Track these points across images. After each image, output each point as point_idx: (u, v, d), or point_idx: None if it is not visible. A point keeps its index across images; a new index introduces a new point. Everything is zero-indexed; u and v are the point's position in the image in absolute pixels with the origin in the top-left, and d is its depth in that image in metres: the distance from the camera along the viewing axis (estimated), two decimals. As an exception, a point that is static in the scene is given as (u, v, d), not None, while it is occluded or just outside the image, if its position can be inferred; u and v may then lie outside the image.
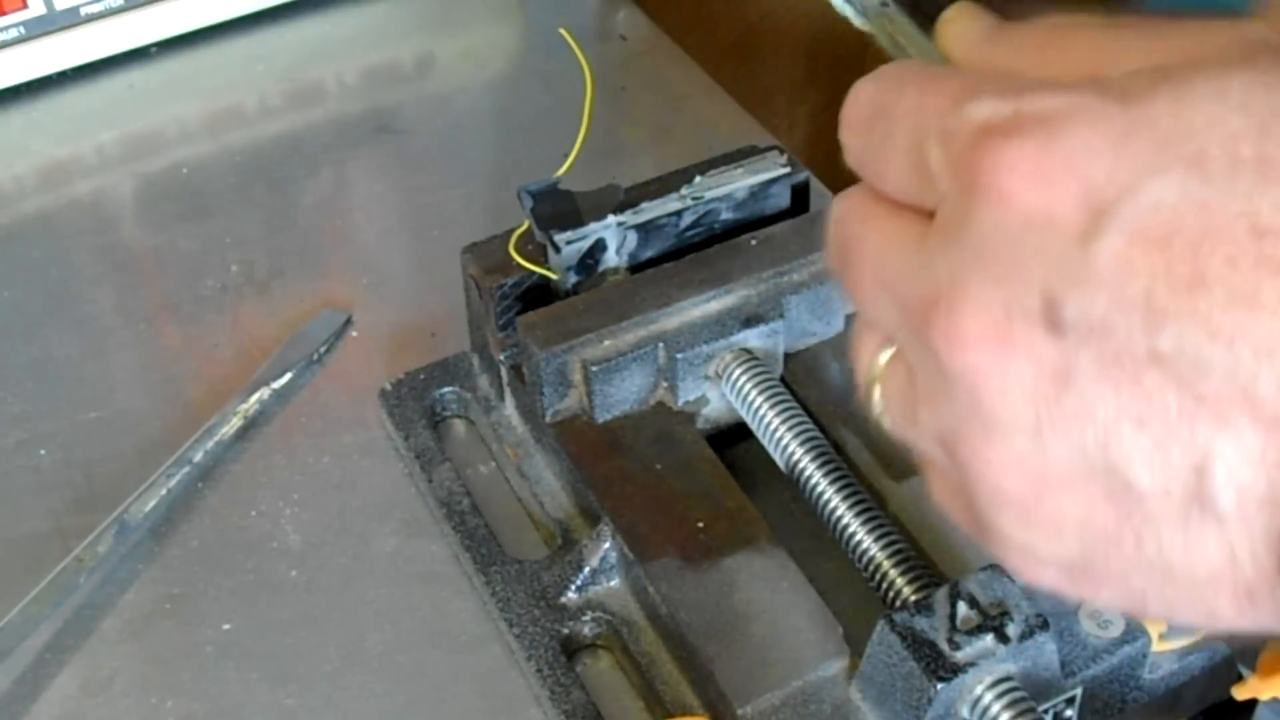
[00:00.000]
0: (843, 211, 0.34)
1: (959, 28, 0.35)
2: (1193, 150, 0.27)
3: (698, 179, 0.55)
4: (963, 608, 0.42)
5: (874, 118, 0.33)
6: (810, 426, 0.49)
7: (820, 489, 0.47)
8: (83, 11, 0.73)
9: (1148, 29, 0.32)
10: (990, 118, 0.29)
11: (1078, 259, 0.28)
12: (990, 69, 0.34)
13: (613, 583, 0.50)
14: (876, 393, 0.34)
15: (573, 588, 0.50)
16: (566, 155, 0.63)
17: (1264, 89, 0.27)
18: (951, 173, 0.30)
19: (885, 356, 0.34)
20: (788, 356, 0.53)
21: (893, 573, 0.45)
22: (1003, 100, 0.30)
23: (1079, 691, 0.44)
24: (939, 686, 0.41)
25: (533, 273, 0.53)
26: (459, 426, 0.57)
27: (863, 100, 0.33)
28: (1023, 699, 0.41)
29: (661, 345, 0.51)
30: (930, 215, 0.31)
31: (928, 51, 0.36)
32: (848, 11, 0.39)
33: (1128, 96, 0.28)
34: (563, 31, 0.62)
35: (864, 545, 0.46)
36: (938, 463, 0.33)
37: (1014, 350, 0.29)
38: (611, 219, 0.53)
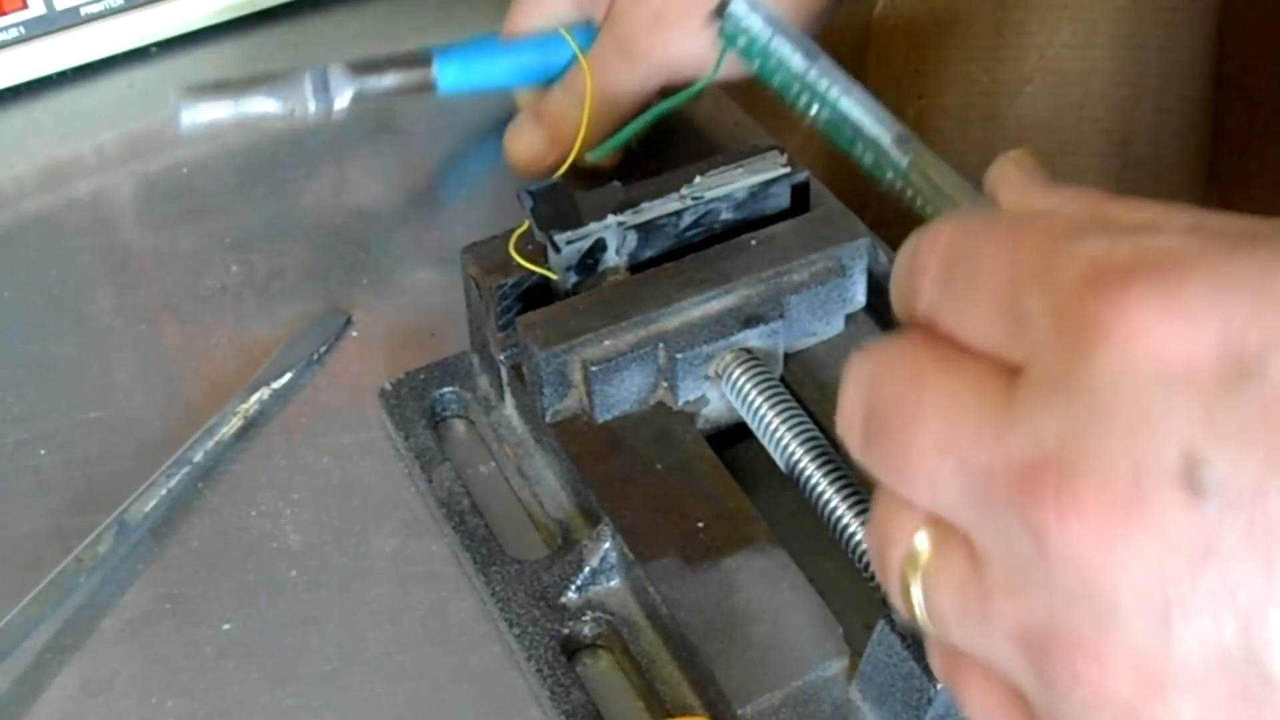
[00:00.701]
0: (881, 369, 0.30)
1: (1017, 172, 0.32)
2: None
3: (698, 179, 0.55)
4: (963, 608, 0.42)
5: (955, 261, 0.29)
6: (810, 426, 0.49)
7: (820, 489, 0.47)
8: (83, 11, 0.73)
9: (1199, 213, 0.28)
10: (1105, 255, 0.26)
11: (1224, 409, 0.24)
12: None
13: (613, 583, 0.50)
14: (916, 588, 0.29)
15: (573, 588, 0.50)
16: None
17: None
18: (1058, 316, 0.26)
19: (923, 541, 0.29)
20: (788, 356, 0.53)
21: (893, 573, 0.45)
22: (1118, 237, 0.26)
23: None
24: (939, 686, 0.41)
25: (533, 273, 0.53)
26: (459, 426, 0.57)
27: (941, 242, 0.29)
28: (1023, 699, 0.41)
29: (661, 345, 0.51)
30: (1010, 371, 0.27)
31: (972, 198, 0.34)
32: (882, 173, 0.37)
33: (1256, 235, 0.26)
34: (562, 31, 0.62)
35: (864, 545, 0.46)
36: (1012, 672, 0.27)
37: (1144, 520, 0.25)
38: (611, 219, 0.53)
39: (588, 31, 0.64)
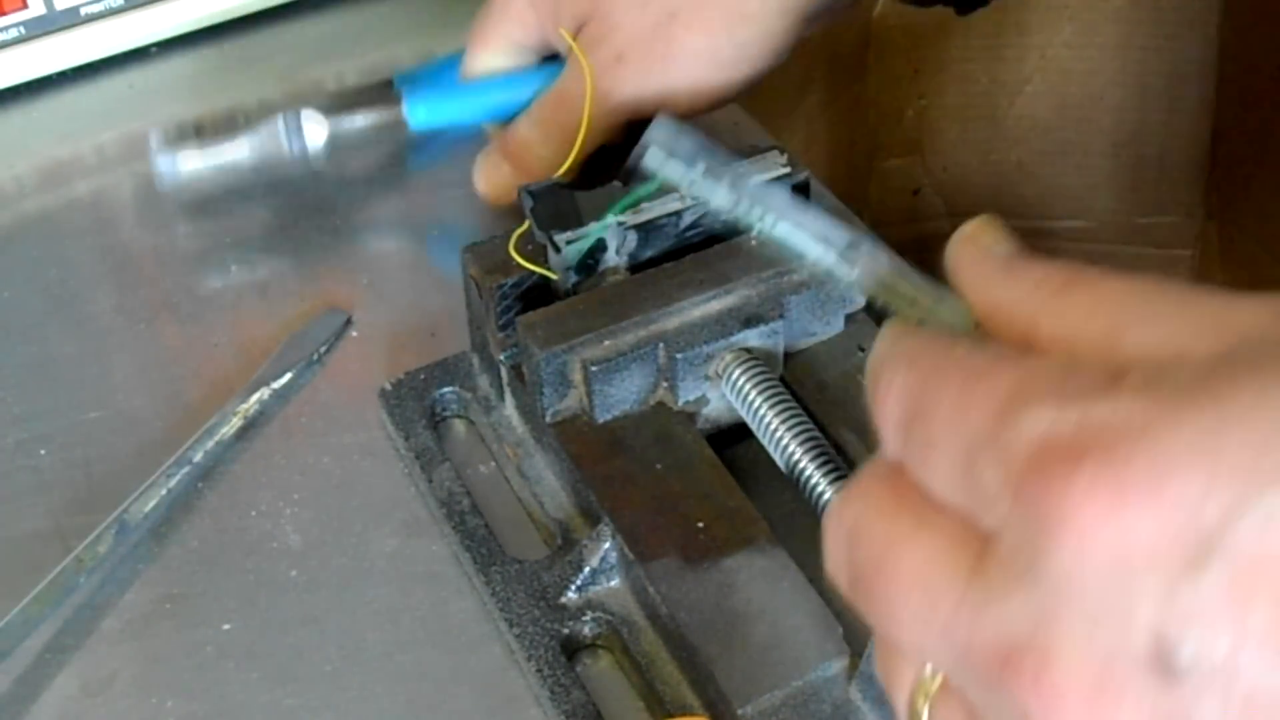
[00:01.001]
0: (857, 524, 0.30)
1: (975, 254, 0.32)
2: None
3: (698, 179, 0.55)
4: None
5: (911, 420, 0.29)
6: (810, 426, 0.49)
7: (820, 489, 0.47)
8: (83, 11, 0.73)
9: (1173, 294, 0.28)
10: (1050, 433, 0.26)
11: (1188, 592, 0.24)
12: (1005, 311, 0.30)
13: (613, 583, 0.50)
14: (924, 713, 0.30)
15: (573, 588, 0.50)
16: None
17: None
18: (1013, 498, 0.26)
19: (931, 678, 0.29)
20: (788, 356, 0.53)
21: (893, 573, 0.45)
22: (1061, 408, 0.26)
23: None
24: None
25: (533, 273, 0.53)
26: (459, 426, 0.57)
27: (895, 394, 0.29)
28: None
29: (661, 345, 0.51)
30: (980, 537, 0.27)
31: (931, 293, 0.33)
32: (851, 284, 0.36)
33: (1204, 396, 0.25)
34: (563, 31, 0.62)
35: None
36: None
37: (1122, 704, 0.25)
38: (611, 219, 0.53)
39: (553, 70, 0.63)
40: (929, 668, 0.29)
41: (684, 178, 0.35)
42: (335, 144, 0.66)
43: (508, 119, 0.64)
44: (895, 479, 0.30)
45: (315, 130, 0.65)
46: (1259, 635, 0.24)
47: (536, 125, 0.62)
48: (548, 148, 0.61)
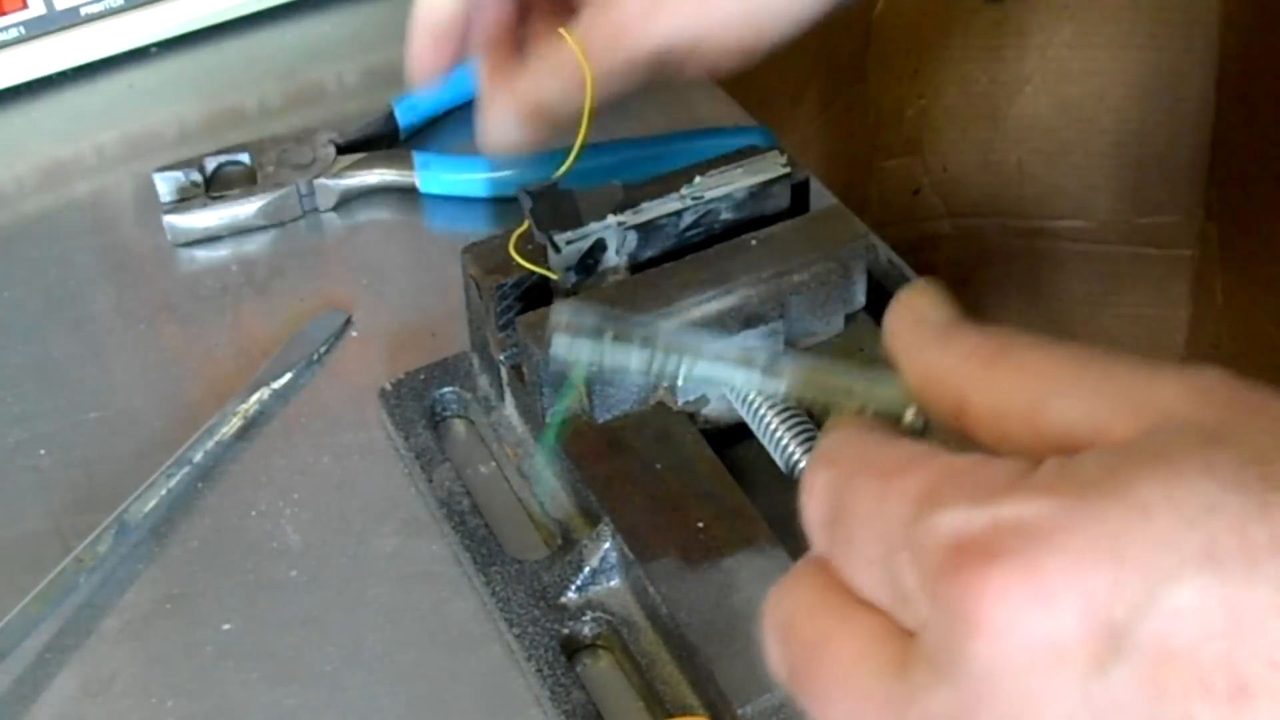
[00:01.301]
0: (789, 619, 0.31)
1: (911, 322, 0.32)
2: (1200, 542, 0.24)
3: (697, 179, 0.55)
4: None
5: (833, 520, 0.30)
6: (810, 426, 0.49)
7: (820, 489, 0.47)
8: (83, 11, 0.73)
9: (1097, 366, 0.29)
10: (963, 533, 0.26)
11: (1100, 689, 0.25)
12: (938, 382, 0.31)
13: (613, 583, 0.50)
14: None
15: (573, 588, 0.50)
16: (567, 154, 0.62)
17: (1255, 458, 0.25)
18: (931, 597, 0.27)
19: None
20: (788, 356, 0.53)
21: (893, 573, 0.45)
22: (973, 509, 0.27)
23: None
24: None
25: (533, 273, 0.53)
26: (459, 426, 0.57)
27: (817, 494, 0.31)
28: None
29: (661, 345, 0.51)
30: (904, 634, 0.28)
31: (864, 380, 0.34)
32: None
33: (1112, 490, 0.25)
34: (562, 31, 0.62)
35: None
36: None
37: None
38: (611, 219, 0.53)
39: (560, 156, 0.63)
40: None
41: (594, 351, 0.35)
42: (346, 198, 0.67)
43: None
44: (824, 575, 0.30)
45: (327, 196, 0.67)
46: None
47: (555, 74, 0.57)
48: (566, 99, 0.56)
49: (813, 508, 0.31)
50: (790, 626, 0.30)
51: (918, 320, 0.32)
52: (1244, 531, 0.24)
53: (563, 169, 0.61)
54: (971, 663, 0.26)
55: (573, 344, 0.35)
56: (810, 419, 0.50)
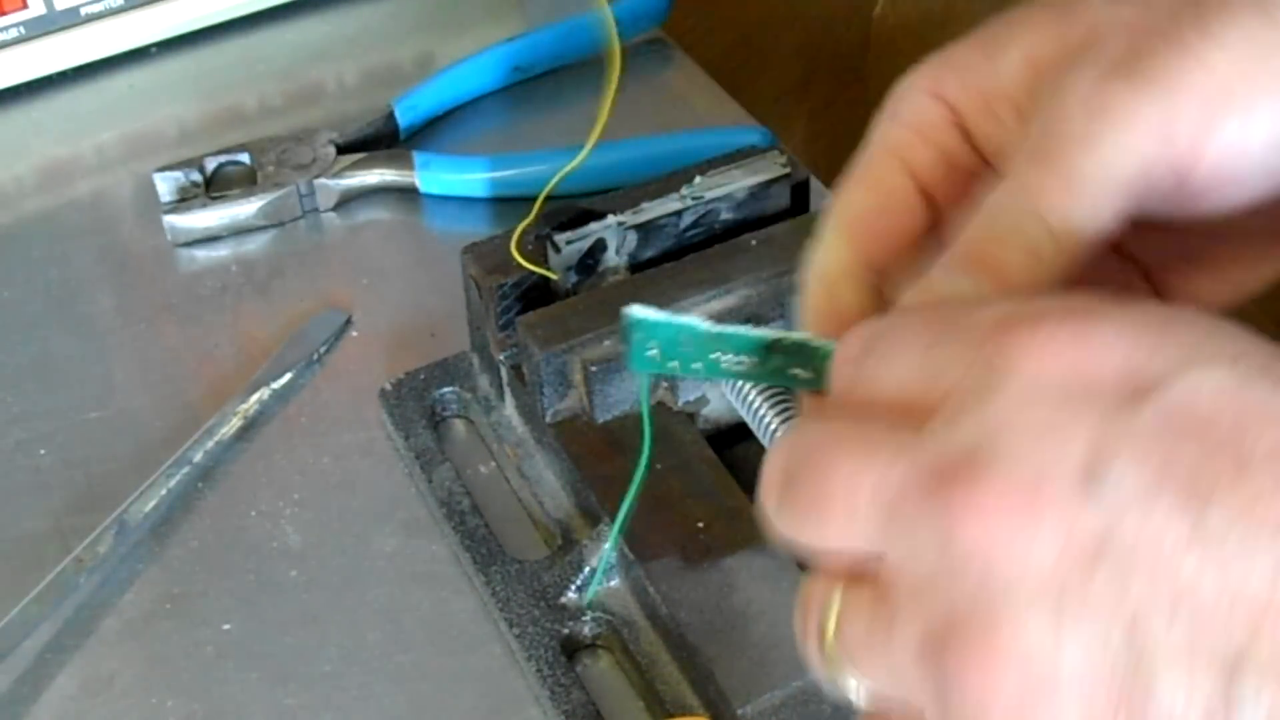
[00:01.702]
0: (798, 437, 0.30)
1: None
2: (1234, 351, 0.27)
3: (697, 179, 0.55)
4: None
5: (874, 338, 0.31)
6: (810, 426, 0.49)
7: (820, 489, 0.47)
8: (83, 11, 0.73)
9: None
10: (1015, 308, 0.28)
11: (1124, 421, 0.26)
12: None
13: (613, 583, 0.50)
14: (830, 631, 0.29)
15: (573, 588, 0.50)
16: (568, 154, 0.62)
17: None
18: (971, 361, 0.28)
19: (837, 595, 0.29)
20: (788, 356, 0.53)
21: (893, 573, 0.45)
22: (1025, 299, 0.29)
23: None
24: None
25: (533, 273, 0.53)
26: (459, 426, 0.57)
27: (861, 331, 0.31)
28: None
29: (661, 345, 0.51)
30: (923, 415, 0.28)
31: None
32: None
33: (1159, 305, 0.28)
34: (603, 1, 0.61)
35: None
36: (916, 696, 0.27)
37: (1042, 514, 0.26)
38: (611, 219, 0.53)
39: (561, 155, 0.63)
40: (836, 594, 0.29)
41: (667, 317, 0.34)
42: (346, 198, 0.67)
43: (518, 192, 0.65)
44: (838, 408, 0.31)
45: (327, 196, 0.67)
46: (1179, 477, 0.25)
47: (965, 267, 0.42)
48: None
49: (851, 343, 0.31)
50: (797, 439, 0.30)
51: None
52: (1272, 359, 0.27)
53: (572, 164, 0.61)
54: (1005, 391, 0.27)
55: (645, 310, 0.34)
56: (810, 419, 0.50)
